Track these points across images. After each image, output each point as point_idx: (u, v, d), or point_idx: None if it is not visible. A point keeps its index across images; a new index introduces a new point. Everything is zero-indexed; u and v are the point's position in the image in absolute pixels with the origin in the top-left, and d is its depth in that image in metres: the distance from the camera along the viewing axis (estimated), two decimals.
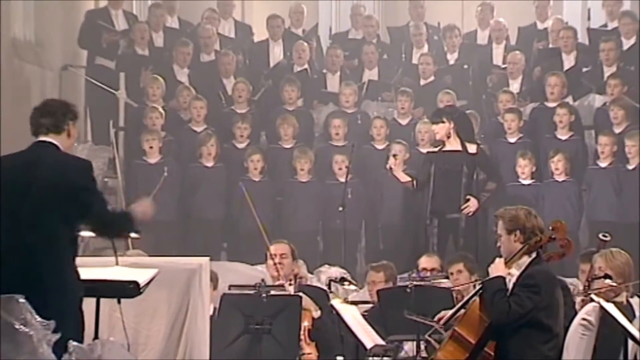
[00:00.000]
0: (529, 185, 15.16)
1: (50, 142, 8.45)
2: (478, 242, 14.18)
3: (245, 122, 15.96)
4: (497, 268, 9.10)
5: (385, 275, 12.11)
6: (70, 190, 8.28)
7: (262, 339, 10.39)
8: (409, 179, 14.22)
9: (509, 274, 9.13)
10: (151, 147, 15.29)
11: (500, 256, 9.28)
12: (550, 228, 9.24)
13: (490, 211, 14.66)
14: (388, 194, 15.42)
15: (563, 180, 15.06)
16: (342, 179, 15.16)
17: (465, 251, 13.30)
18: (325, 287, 11.82)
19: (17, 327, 7.98)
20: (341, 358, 10.70)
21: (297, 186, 15.59)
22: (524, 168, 15.11)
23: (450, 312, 9.41)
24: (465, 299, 9.41)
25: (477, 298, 9.17)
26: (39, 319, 8.01)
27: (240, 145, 15.92)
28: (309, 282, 12.26)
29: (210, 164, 15.51)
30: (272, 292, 10.62)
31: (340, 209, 14.39)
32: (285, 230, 15.17)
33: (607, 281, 9.80)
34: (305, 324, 10.82)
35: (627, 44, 16.87)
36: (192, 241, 15.34)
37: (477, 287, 9.35)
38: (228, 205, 15.53)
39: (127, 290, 8.82)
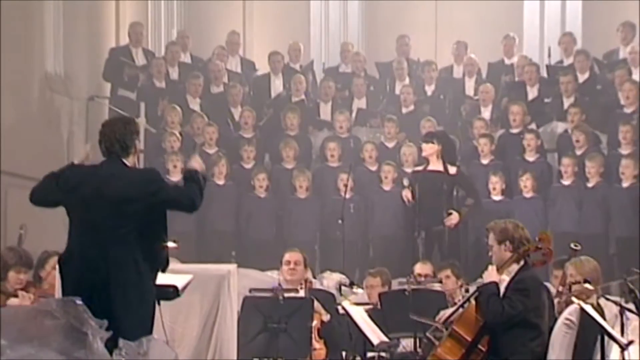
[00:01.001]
0: (500, 201, 15.09)
1: (118, 158, 8.39)
2: (460, 251, 14.25)
3: (252, 146, 15.99)
4: (491, 275, 9.11)
5: (382, 280, 12.09)
6: (142, 201, 8.22)
7: (279, 336, 10.42)
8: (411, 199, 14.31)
9: (501, 279, 9.14)
10: (175, 167, 15.17)
11: (491, 263, 9.31)
12: (537, 239, 9.25)
13: (469, 224, 14.76)
14: (379, 209, 15.39)
15: (531, 197, 15.02)
16: (342, 195, 15.17)
17: (450, 259, 13.37)
18: (332, 291, 11.85)
19: (75, 325, 7.96)
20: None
21: (297, 202, 15.55)
22: (495, 185, 15.09)
23: (449, 312, 9.44)
24: (462, 301, 9.43)
25: (473, 300, 9.19)
26: (92, 317, 7.99)
27: (247, 166, 15.90)
28: (315, 287, 12.21)
29: (221, 182, 15.45)
30: (287, 295, 10.65)
31: (340, 221, 14.42)
32: (287, 240, 15.14)
33: (586, 285, 9.83)
34: (315, 323, 10.82)
35: (581, 77, 16.87)
36: (205, 250, 15.29)
37: (473, 291, 9.36)
38: (237, 218, 15.52)
39: (167, 293, 8.76)
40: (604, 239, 14.69)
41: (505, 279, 9.14)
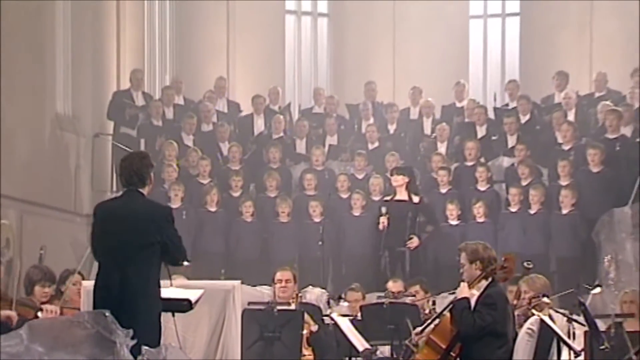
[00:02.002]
0: (456, 225, 15.11)
1: (137, 190, 8.38)
2: (420, 269, 14.25)
3: (239, 176, 15.93)
4: (463, 291, 9.03)
5: (361, 294, 12.12)
6: (156, 229, 8.22)
7: (274, 344, 10.36)
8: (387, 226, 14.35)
9: (471, 294, 9.14)
10: (176, 195, 15.16)
11: (463, 280, 9.29)
12: (503, 259, 9.22)
13: (429, 246, 14.78)
14: (349, 232, 15.39)
15: (483, 222, 15.02)
16: (317, 220, 15.22)
17: (411, 276, 13.41)
18: (318, 304, 11.82)
19: (104, 335, 7.90)
20: None
21: (279, 226, 15.51)
22: (452, 211, 15.11)
23: (426, 323, 9.43)
24: (438, 313, 9.41)
25: (447, 313, 9.18)
26: (119, 328, 7.94)
27: (236, 194, 15.86)
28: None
29: (213, 209, 15.40)
30: (280, 308, 10.61)
31: (320, 243, 14.40)
32: (271, 259, 15.13)
33: (544, 299, 9.88)
34: (305, 332, 10.77)
35: (523, 119, 16.98)
36: (198, 268, 15.16)
37: (447, 304, 9.34)
38: (226, 240, 15.45)
39: (182, 306, 8.74)
40: (546, 259, 14.70)
41: (475, 294, 9.11)
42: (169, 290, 8.76)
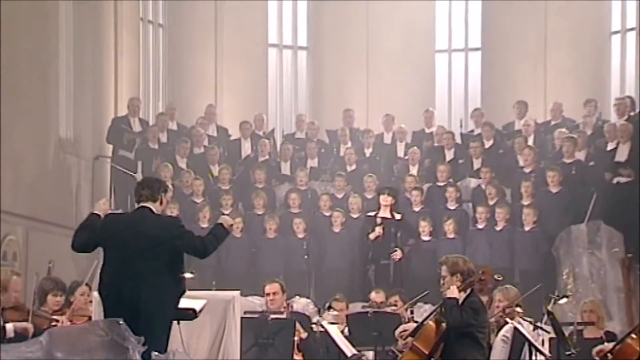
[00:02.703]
0: (428, 241, 15.13)
1: (148, 207, 8.35)
2: (403, 280, 14.25)
3: (229, 195, 15.90)
4: (453, 292, 9.00)
5: (345, 304, 12.12)
6: (168, 242, 8.19)
7: (268, 350, 10.37)
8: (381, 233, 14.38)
9: (460, 296, 9.09)
10: (172, 212, 14.93)
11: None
12: (481, 272, 9.25)
13: (412, 258, 14.77)
14: (330, 247, 15.40)
15: (452, 238, 15.05)
16: (301, 236, 15.19)
17: (394, 287, 13.43)
18: (306, 313, 11.81)
19: (117, 341, 7.87)
20: None
21: (266, 241, 15.49)
22: (424, 228, 15.14)
23: (411, 329, 9.41)
24: (421, 321, 9.40)
25: (429, 322, 9.16)
26: (132, 335, 7.91)
27: (226, 212, 15.59)
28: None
29: (205, 225, 15.17)
30: (273, 317, 10.62)
31: (306, 256, 14.40)
32: (258, 271, 15.09)
33: (517, 309, 9.91)
34: (295, 338, 10.76)
35: (487, 144, 17.05)
36: (192, 279, 15.10)
37: (430, 312, 9.34)
38: (217, 254, 15.30)
39: (187, 315, 8.74)
40: (510, 272, 14.70)
41: (461, 296, 9.11)
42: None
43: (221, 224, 8.51)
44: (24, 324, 9.34)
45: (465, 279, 9.09)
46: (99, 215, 8.62)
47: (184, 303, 8.67)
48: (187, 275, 8.75)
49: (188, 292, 9.58)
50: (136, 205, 8.52)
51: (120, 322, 7.88)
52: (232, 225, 8.58)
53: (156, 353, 8.07)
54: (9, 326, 9.23)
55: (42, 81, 15.96)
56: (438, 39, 21.10)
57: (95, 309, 9.53)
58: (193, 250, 8.45)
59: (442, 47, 21.18)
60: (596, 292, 14.28)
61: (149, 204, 8.39)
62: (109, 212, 8.79)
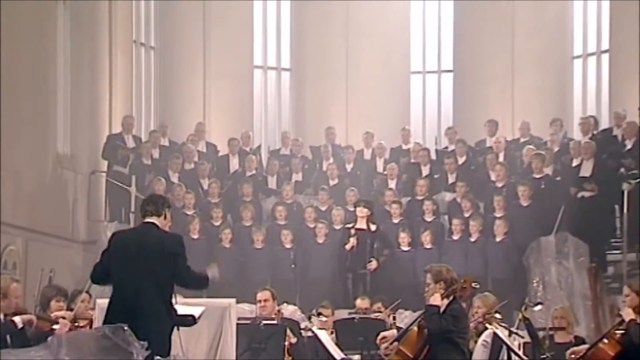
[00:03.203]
0: (407, 251, 15.16)
1: (152, 223, 8.32)
2: (378, 288, 14.25)
3: (218, 208, 15.88)
4: (436, 299, 9.02)
5: (331, 310, 12.09)
6: (169, 256, 8.17)
7: (260, 354, 10.30)
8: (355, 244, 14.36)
9: (442, 304, 9.10)
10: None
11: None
12: (463, 280, 9.25)
13: (388, 267, 14.78)
14: (315, 257, 15.36)
15: (430, 248, 15.08)
16: (287, 246, 15.16)
17: (371, 294, 13.41)
18: (296, 319, 11.78)
19: (121, 346, 7.83)
20: None
21: (254, 251, 15.46)
22: (403, 239, 15.16)
23: (390, 336, 9.41)
24: (407, 326, 9.40)
25: (414, 327, 9.16)
26: (136, 340, 7.87)
27: (216, 223, 15.78)
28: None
29: (196, 237, 15.29)
30: (265, 323, 10.57)
31: (293, 266, 14.38)
32: (247, 280, 15.04)
33: (496, 315, 9.93)
34: (285, 343, 10.72)
35: (461, 160, 17.08)
36: (182, 289, 15.06)
37: (416, 317, 9.32)
38: (208, 264, 15.23)
39: (187, 321, 8.68)
40: (484, 279, 14.65)
41: (444, 303, 9.09)
42: (176, 307, 8.71)
43: (207, 276, 8.52)
44: (28, 315, 9.25)
45: (448, 286, 9.10)
46: None
47: (183, 310, 8.63)
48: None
49: (186, 300, 9.62)
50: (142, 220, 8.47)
51: (125, 328, 7.82)
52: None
53: (158, 357, 8.03)
54: (17, 318, 9.15)
55: (41, 100, 15.90)
56: (413, 61, 21.20)
57: (97, 315, 9.47)
58: (184, 278, 8.41)
59: (417, 69, 21.28)
60: (564, 299, 14.32)
61: (153, 219, 8.35)
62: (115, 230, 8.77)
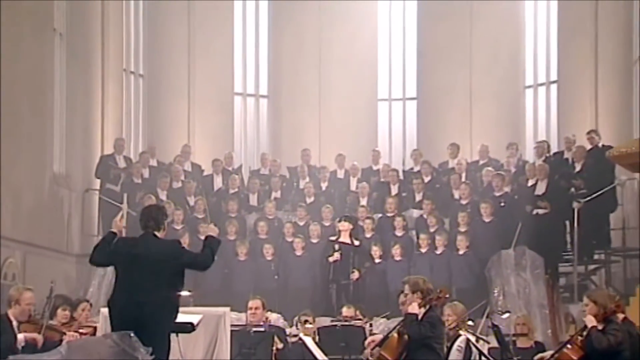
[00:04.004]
0: (379, 263, 15.12)
1: (152, 233, 8.24)
2: (360, 297, 14.21)
3: (204, 223, 15.63)
4: (414, 308, 9.04)
5: (312, 318, 12.03)
6: (170, 261, 8.11)
7: (250, 358, 10.24)
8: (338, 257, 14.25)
9: (420, 311, 9.08)
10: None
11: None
12: (439, 290, 9.27)
13: (367, 278, 14.72)
14: (293, 268, 15.29)
15: (399, 260, 15.08)
16: (269, 258, 15.08)
17: (353, 303, 13.36)
18: (281, 326, 11.71)
19: (127, 351, 7.74)
20: None
21: (238, 263, 15.35)
22: (376, 252, 15.13)
23: (378, 340, 9.37)
24: (388, 332, 9.37)
25: (394, 334, 9.13)
26: (142, 346, 7.77)
27: (202, 237, 15.51)
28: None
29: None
30: (255, 329, 10.51)
31: (276, 277, 14.30)
32: (231, 290, 14.95)
33: (469, 322, 9.93)
34: (273, 348, 10.67)
35: (426, 179, 17.11)
36: None
37: (397, 324, 9.30)
38: (195, 275, 15.09)
39: (186, 328, 8.63)
40: (448, 290, 14.72)
41: (421, 311, 9.09)
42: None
43: (211, 236, 8.43)
44: (33, 334, 9.17)
45: (425, 296, 9.12)
46: (115, 234, 8.48)
47: (183, 318, 8.56)
48: (185, 293, 8.63)
49: (184, 308, 9.52)
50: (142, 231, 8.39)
51: (131, 335, 7.75)
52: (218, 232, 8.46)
53: None
54: (20, 336, 9.06)
55: (39, 123, 15.81)
56: (380, 89, 21.22)
57: (102, 323, 9.36)
58: (195, 264, 8.41)
59: (384, 96, 21.31)
60: (522, 307, 14.33)
61: (152, 230, 8.29)
62: (120, 237, 8.63)
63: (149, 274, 8.09)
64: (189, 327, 8.55)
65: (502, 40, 20.21)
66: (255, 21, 21.00)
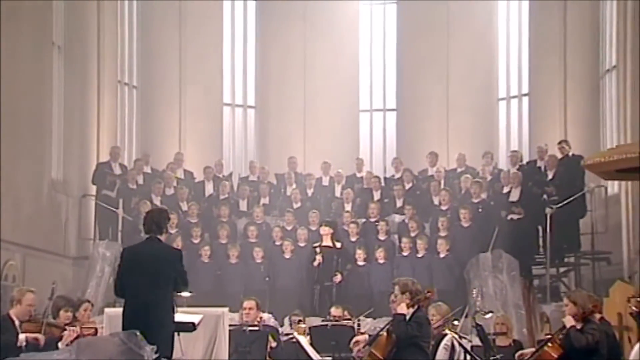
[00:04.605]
0: (363, 265, 15.11)
1: (156, 237, 8.24)
2: (342, 298, 14.22)
3: (197, 227, 15.72)
4: (402, 308, 9.05)
5: (303, 318, 12.03)
6: (171, 266, 8.12)
7: (246, 356, 10.22)
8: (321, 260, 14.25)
9: (408, 312, 9.10)
10: None
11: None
12: (427, 291, 9.29)
13: (350, 280, 14.73)
14: (282, 271, 15.24)
15: (383, 263, 15.07)
16: (259, 261, 15.07)
17: (337, 303, 13.35)
18: (273, 324, 11.70)
19: (134, 349, 7.72)
20: None
21: (229, 266, 15.29)
22: (360, 255, 15.12)
23: (362, 340, 9.39)
24: (378, 331, 9.39)
25: (383, 333, 9.15)
26: (147, 344, 7.76)
27: (196, 241, 15.59)
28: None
29: None
30: (250, 329, 10.50)
31: (267, 278, 14.28)
32: (223, 291, 14.91)
33: (455, 322, 9.96)
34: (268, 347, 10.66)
35: (407, 186, 17.14)
36: None
37: (385, 324, 9.32)
38: (189, 276, 15.03)
39: (187, 327, 8.63)
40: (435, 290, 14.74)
41: (409, 312, 9.10)
42: (177, 315, 8.62)
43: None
44: (35, 334, 9.11)
45: (414, 296, 9.14)
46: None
47: (184, 317, 8.56)
48: (186, 294, 8.63)
49: (181, 309, 9.51)
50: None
51: (137, 334, 7.75)
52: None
53: (164, 359, 7.93)
54: (22, 336, 9.00)
55: (38, 132, 15.79)
56: (362, 101, 21.26)
57: (106, 322, 9.34)
58: (182, 281, 8.36)
59: (365, 107, 21.36)
60: (499, 307, 14.37)
61: (155, 234, 8.30)
62: (125, 247, 8.69)
63: (153, 276, 8.09)
64: (190, 327, 8.54)
65: (477, 55, 20.33)
66: (244, 36, 21.00)
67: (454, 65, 20.41)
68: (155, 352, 7.73)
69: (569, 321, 8.92)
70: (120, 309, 8.33)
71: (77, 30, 17.20)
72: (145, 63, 19.70)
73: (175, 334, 8.52)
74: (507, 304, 14.62)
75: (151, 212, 8.54)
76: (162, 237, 8.35)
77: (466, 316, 11.39)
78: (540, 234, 15.65)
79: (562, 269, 16.31)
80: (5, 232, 14.12)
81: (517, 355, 9.71)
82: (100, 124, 18.04)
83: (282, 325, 12.46)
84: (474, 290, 14.70)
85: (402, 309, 9.04)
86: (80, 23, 17.33)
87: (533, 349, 9.55)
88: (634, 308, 9.06)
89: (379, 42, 21.34)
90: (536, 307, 13.80)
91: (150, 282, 8.07)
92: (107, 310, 9.61)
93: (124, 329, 8.02)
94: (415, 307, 9.12)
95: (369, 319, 12.59)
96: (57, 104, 16.63)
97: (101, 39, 17.97)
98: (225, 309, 9.70)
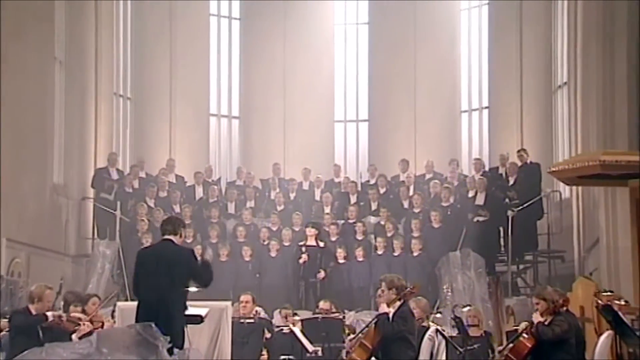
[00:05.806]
0: (343, 263, 15.15)
1: (170, 239, 8.21)
2: (325, 293, 14.21)
3: (190, 228, 15.48)
4: (384, 308, 9.10)
5: (292, 311, 12.03)
6: (184, 266, 8.09)
7: (243, 346, 10.21)
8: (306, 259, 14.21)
9: (389, 311, 9.14)
10: (147, 241, 14.58)
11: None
12: (412, 286, 9.33)
13: (333, 277, 14.73)
14: (268, 268, 15.23)
15: (361, 261, 15.12)
16: (247, 259, 15.04)
17: (321, 298, 13.33)
18: (266, 317, 11.69)
19: (150, 340, 7.70)
20: (284, 357, 10.56)
21: (220, 264, 15.02)
22: (340, 254, 15.16)
23: (359, 330, 9.42)
24: (366, 324, 9.41)
25: (372, 325, 9.18)
26: (161, 335, 7.74)
27: (188, 241, 15.40)
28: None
29: None
30: (247, 321, 10.48)
31: (258, 275, 14.25)
32: (214, 288, 14.64)
33: (438, 315, 10.00)
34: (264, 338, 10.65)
35: (382, 190, 17.19)
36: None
37: (373, 318, 9.34)
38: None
39: (195, 320, 8.60)
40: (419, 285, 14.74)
41: (391, 311, 9.17)
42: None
43: (208, 260, 8.42)
44: (58, 312, 9.07)
45: (400, 292, 9.18)
46: None
47: (192, 310, 8.53)
48: (193, 289, 8.60)
49: (192, 302, 9.46)
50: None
51: (152, 325, 7.72)
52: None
53: (176, 349, 7.92)
54: (49, 313, 8.94)
55: (41, 140, 15.66)
56: (336, 112, 21.28)
57: (118, 315, 9.28)
58: (200, 277, 8.36)
59: (340, 118, 21.39)
60: (468, 301, 14.47)
61: (171, 237, 8.26)
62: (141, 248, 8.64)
63: (166, 275, 8.07)
64: (197, 319, 8.52)
65: (441, 71, 20.47)
66: (229, 53, 20.97)
67: (421, 80, 20.55)
68: (169, 342, 7.70)
69: (536, 318, 9.01)
70: (129, 303, 8.29)
71: (76, 46, 17.14)
72: (139, 77, 19.64)
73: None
74: (474, 298, 14.71)
75: (167, 219, 8.59)
76: (176, 240, 8.30)
77: (438, 309, 11.42)
78: (502, 234, 15.77)
79: (521, 266, 16.46)
80: (11, 231, 14.06)
81: (497, 349, 9.78)
82: (98, 132, 17.94)
83: (272, 318, 12.42)
84: (445, 286, 14.79)
85: (384, 308, 9.07)
86: (79, 39, 17.27)
87: (509, 342, 9.61)
88: (600, 302, 9.16)
89: (353, 59, 21.42)
90: (502, 301, 13.90)
91: (163, 281, 8.03)
92: (119, 303, 9.55)
93: (137, 320, 7.95)
94: (401, 301, 9.13)
95: (352, 312, 12.62)
96: (59, 114, 16.53)
97: (99, 54, 17.90)
98: (228, 303, 9.70)
